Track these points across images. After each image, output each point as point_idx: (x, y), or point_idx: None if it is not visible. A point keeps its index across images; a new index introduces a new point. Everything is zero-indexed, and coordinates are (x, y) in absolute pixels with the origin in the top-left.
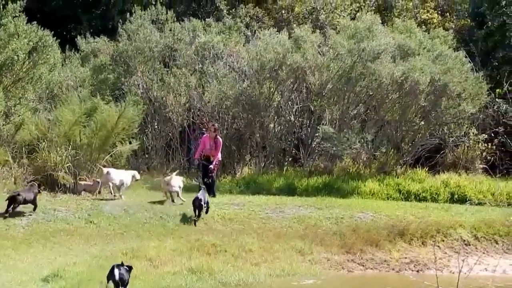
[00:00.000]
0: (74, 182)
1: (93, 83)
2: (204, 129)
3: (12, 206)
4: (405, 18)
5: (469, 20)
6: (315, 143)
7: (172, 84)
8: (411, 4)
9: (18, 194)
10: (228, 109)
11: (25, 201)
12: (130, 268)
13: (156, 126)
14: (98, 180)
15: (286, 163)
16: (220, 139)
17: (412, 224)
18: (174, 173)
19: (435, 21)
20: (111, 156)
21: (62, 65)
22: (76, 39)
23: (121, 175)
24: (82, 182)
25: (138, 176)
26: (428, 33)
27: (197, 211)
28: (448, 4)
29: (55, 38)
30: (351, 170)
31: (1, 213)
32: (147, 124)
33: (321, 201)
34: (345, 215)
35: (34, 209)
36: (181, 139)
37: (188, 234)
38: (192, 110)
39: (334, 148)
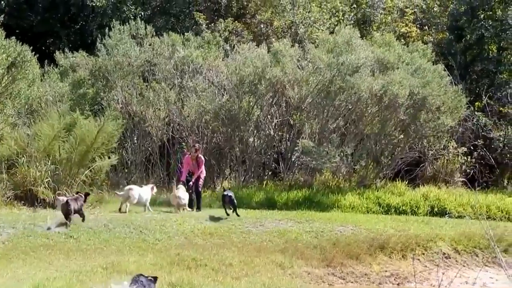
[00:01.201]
0: (53, 197)
1: (72, 98)
2: (183, 143)
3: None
4: (384, 31)
5: (447, 34)
6: (294, 157)
7: (152, 99)
8: (389, 18)
9: (68, 203)
10: (207, 123)
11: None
12: (155, 280)
13: (135, 141)
14: (82, 194)
15: (266, 177)
16: (202, 158)
17: (392, 238)
18: (179, 186)
19: (414, 34)
20: (90, 171)
21: (41, 80)
22: (54, 54)
23: (143, 191)
24: (61, 198)
25: (155, 189)
26: (407, 47)
27: (230, 206)
28: (427, 17)
29: (33, 53)
30: (331, 184)
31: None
32: (127, 138)
33: (301, 215)
34: (325, 228)
35: (83, 219)
36: (160, 153)
37: (168, 248)
38: (172, 125)
39: (313, 162)
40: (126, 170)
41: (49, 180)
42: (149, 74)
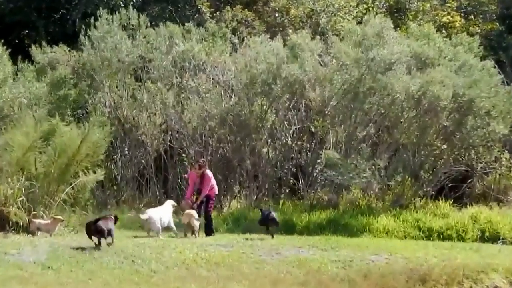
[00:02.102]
0: (28, 220)
1: (51, 100)
2: (184, 155)
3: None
4: (422, 21)
5: (497, 24)
6: (317, 171)
7: (146, 102)
8: (428, 5)
9: (96, 222)
10: (212, 131)
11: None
12: None
13: (126, 152)
14: (59, 217)
15: (282, 195)
16: (209, 174)
17: (435, 268)
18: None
19: (457, 25)
20: (72, 188)
21: (14, 79)
22: (30, 48)
23: (162, 213)
24: (37, 220)
25: (174, 203)
26: (450, 39)
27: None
28: (473, 5)
29: (5, 47)
30: (360, 203)
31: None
32: (116, 149)
33: (326, 241)
34: (354, 257)
35: (111, 242)
36: (156, 167)
37: (166, 282)
38: (170, 133)
39: (339, 177)
40: (115, 187)
41: (23, 200)
42: (142, 72)
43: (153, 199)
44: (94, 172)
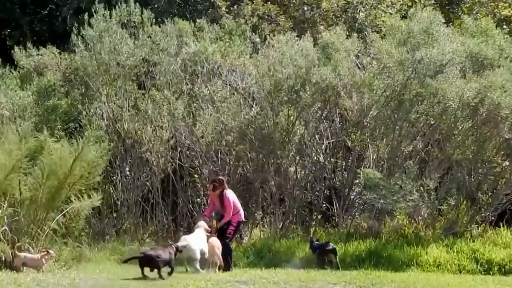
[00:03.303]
0: (12, 254)
1: (37, 112)
2: (196, 176)
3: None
4: (479, 15)
5: None
6: (354, 193)
7: (151, 113)
8: None
9: (157, 256)
10: (229, 147)
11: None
12: None
13: (128, 173)
14: (50, 252)
15: (313, 223)
16: (229, 195)
17: None
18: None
19: None
20: (64, 216)
21: None
22: (13, 50)
23: (201, 240)
24: (23, 254)
25: (207, 226)
26: None
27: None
28: None
29: None
30: (406, 232)
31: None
32: (116, 169)
33: (365, 276)
34: None
35: (170, 272)
36: (163, 190)
37: None
38: (179, 149)
39: (381, 201)
40: (114, 215)
41: (5, 230)
42: (146, 78)
43: (159, 228)
44: (90, 197)
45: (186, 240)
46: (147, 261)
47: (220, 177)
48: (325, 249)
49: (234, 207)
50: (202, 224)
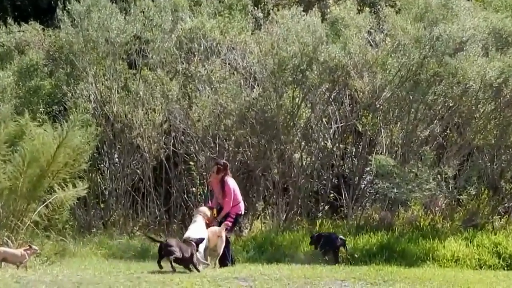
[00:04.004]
0: None
1: (18, 94)
2: (192, 163)
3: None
4: None
5: None
6: (365, 182)
7: (142, 94)
8: None
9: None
10: (229, 131)
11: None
12: None
13: (117, 160)
14: (33, 247)
15: (320, 214)
16: (230, 183)
17: None
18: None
19: None
20: (46, 206)
21: None
22: None
23: (200, 229)
24: (2, 249)
25: (207, 212)
26: None
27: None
28: None
29: None
30: (422, 224)
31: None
32: (103, 156)
33: (376, 272)
34: None
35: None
36: (155, 178)
37: None
38: (173, 134)
39: (395, 190)
40: (102, 205)
41: None
42: (138, 56)
43: (151, 220)
44: (75, 186)
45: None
46: (167, 250)
47: (225, 161)
48: (336, 244)
49: (235, 197)
50: (203, 210)
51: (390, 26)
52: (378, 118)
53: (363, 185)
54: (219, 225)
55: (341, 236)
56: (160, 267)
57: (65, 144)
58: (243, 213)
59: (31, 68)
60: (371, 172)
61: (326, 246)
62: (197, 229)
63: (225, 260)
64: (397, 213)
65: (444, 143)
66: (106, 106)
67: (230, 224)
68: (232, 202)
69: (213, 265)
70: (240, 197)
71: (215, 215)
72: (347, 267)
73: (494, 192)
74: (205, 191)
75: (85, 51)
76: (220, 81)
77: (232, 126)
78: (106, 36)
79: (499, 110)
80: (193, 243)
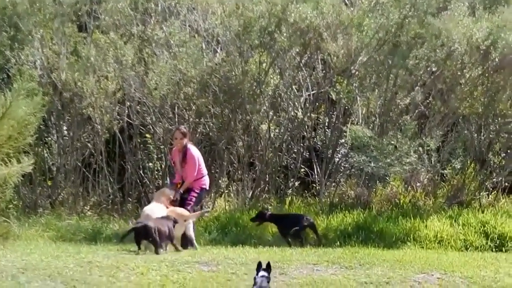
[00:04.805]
0: None
1: None
2: (148, 135)
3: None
4: None
5: None
6: (339, 155)
7: (94, 60)
8: None
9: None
10: (189, 100)
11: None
12: None
13: (65, 132)
14: None
15: (290, 191)
16: (193, 152)
17: None
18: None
19: None
20: None
21: None
22: None
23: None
24: None
25: (170, 191)
26: None
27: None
28: None
29: None
30: (402, 201)
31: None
32: (51, 128)
33: (352, 255)
34: (393, 277)
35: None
36: (108, 153)
37: None
38: (128, 104)
39: (372, 164)
40: (49, 183)
41: None
42: (89, 18)
43: (103, 199)
44: (19, 162)
45: (145, 211)
46: (145, 233)
47: (184, 126)
48: (303, 224)
49: (199, 168)
50: (165, 193)
51: None
52: (354, 85)
53: (337, 159)
54: (182, 201)
55: (307, 217)
56: (139, 248)
57: (9, 116)
58: (208, 188)
59: None
60: (345, 145)
61: (290, 227)
62: (156, 208)
63: (186, 243)
64: (374, 189)
65: (427, 112)
66: (53, 73)
67: (193, 199)
68: (196, 174)
69: (175, 249)
70: (205, 170)
71: (178, 186)
72: (319, 249)
73: (481, 165)
74: (167, 180)
75: (31, 13)
76: (180, 45)
77: (192, 94)
78: None
79: (486, 75)
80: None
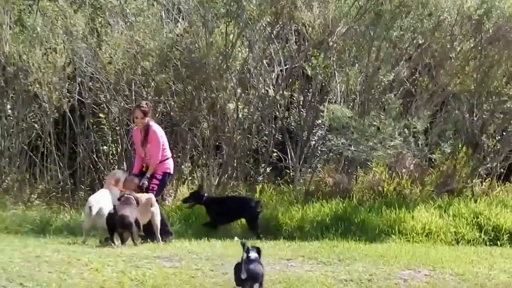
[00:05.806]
0: None
1: None
2: (102, 115)
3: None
4: None
5: None
6: (316, 138)
7: (41, 31)
8: None
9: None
10: (147, 76)
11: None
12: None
13: (9, 112)
14: None
15: (261, 177)
16: (156, 131)
17: None
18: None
19: None
20: None
21: None
22: None
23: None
24: None
25: (119, 176)
26: None
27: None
28: None
29: None
30: (386, 189)
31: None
32: None
33: (330, 249)
34: (376, 274)
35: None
36: (58, 134)
37: None
38: (79, 80)
39: (352, 148)
40: None
41: None
42: None
43: (52, 186)
44: None
45: (90, 201)
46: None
47: (147, 102)
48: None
49: (162, 150)
50: (116, 175)
51: None
52: (332, 59)
53: (314, 142)
54: (147, 186)
55: (257, 199)
56: (114, 243)
57: None
58: (171, 172)
59: None
60: (323, 126)
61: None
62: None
63: (147, 235)
64: (355, 176)
65: (413, 90)
66: None
67: (155, 187)
68: (160, 155)
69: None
70: (169, 151)
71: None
72: (295, 243)
73: (473, 149)
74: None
75: None
76: (137, 14)
77: (151, 69)
78: None
79: (479, 48)
80: (133, 198)
